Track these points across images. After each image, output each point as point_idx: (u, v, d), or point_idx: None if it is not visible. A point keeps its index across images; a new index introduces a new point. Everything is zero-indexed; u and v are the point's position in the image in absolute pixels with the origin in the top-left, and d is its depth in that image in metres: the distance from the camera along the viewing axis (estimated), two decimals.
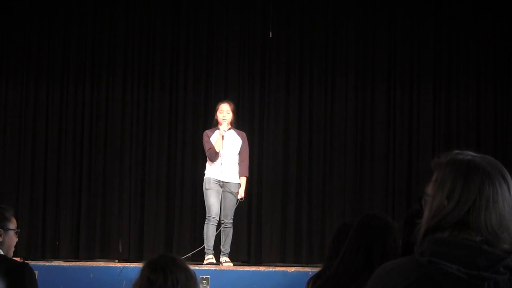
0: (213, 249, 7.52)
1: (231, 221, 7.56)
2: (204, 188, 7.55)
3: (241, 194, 7.53)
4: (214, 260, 7.43)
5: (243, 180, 7.58)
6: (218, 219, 7.50)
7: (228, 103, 7.64)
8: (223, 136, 7.46)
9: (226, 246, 7.56)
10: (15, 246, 3.91)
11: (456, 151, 1.57)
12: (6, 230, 3.73)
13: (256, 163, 8.63)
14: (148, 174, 8.72)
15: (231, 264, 7.50)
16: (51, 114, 8.79)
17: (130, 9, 8.90)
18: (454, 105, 8.71)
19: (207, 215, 7.52)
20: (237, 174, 7.57)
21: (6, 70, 8.87)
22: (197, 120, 8.76)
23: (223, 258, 7.50)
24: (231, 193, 7.52)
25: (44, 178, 8.68)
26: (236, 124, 7.75)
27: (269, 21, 8.66)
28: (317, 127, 8.77)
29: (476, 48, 8.73)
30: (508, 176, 1.53)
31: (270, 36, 8.57)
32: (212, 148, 7.47)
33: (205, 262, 7.45)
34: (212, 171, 7.52)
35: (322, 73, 8.83)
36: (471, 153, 1.57)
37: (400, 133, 8.72)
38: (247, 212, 8.60)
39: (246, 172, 7.62)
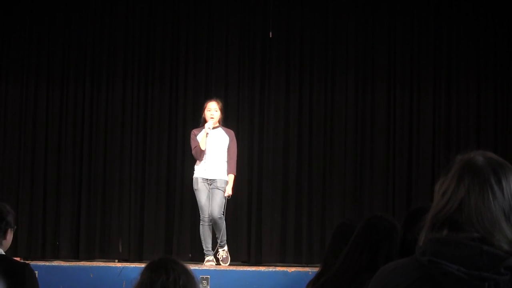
0: (212, 249, 7.53)
1: (220, 215, 7.50)
2: (193, 188, 7.57)
3: (228, 191, 7.52)
4: (214, 262, 7.44)
5: (230, 178, 7.57)
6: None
7: (216, 101, 7.64)
8: (207, 134, 7.46)
9: (222, 238, 7.55)
10: (16, 246, 3.92)
11: (473, 152, 1.58)
12: (13, 227, 3.73)
13: (256, 163, 8.63)
14: (148, 174, 8.72)
15: (228, 256, 7.51)
16: (51, 114, 8.79)
17: (130, 9, 8.90)
18: (454, 105, 8.71)
19: (201, 216, 7.54)
20: (225, 172, 7.56)
21: (6, 70, 8.87)
22: (197, 120, 8.74)
23: (220, 251, 7.51)
24: (219, 189, 7.49)
25: (44, 178, 8.68)
26: (224, 122, 7.74)
27: (269, 21, 8.66)
28: (317, 127, 8.77)
29: (476, 48, 8.73)
30: (505, 177, 1.52)
31: (270, 36, 8.57)
32: (197, 146, 7.48)
33: (205, 262, 7.46)
34: (199, 170, 7.53)
35: (322, 73, 8.83)
36: (479, 152, 1.57)
37: (400, 133, 8.72)
38: (247, 212, 8.60)
39: (234, 170, 7.61)
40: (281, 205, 8.63)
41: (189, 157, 8.66)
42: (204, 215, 7.47)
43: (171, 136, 8.80)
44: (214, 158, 7.51)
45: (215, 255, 7.56)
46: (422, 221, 1.56)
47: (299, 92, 8.81)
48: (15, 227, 3.79)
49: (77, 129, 8.78)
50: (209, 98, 7.91)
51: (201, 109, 8.73)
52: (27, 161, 8.71)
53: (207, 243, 7.48)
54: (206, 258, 7.47)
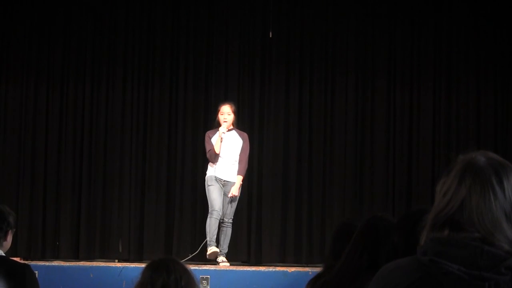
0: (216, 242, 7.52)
1: (230, 220, 7.59)
2: (206, 185, 7.59)
3: (233, 191, 7.53)
4: (217, 249, 7.42)
5: (238, 179, 7.60)
6: (221, 214, 7.51)
7: (229, 104, 7.68)
8: (221, 139, 7.50)
9: (224, 246, 7.57)
10: (16, 246, 3.91)
11: (474, 152, 1.58)
12: (13, 229, 3.73)
13: (256, 163, 8.63)
14: (148, 174, 8.72)
15: (228, 264, 7.51)
16: (51, 114, 8.79)
17: (130, 9, 8.90)
18: (454, 105, 8.72)
19: (210, 210, 7.54)
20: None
21: (6, 70, 8.87)
22: (197, 120, 8.77)
23: (220, 258, 7.51)
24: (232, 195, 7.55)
25: (44, 178, 8.68)
26: (238, 124, 7.78)
27: (269, 21, 8.66)
28: (317, 127, 8.77)
29: (476, 48, 8.73)
30: (506, 177, 1.52)
31: (270, 36, 8.57)
32: (212, 149, 7.53)
33: (208, 252, 7.41)
34: (214, 170, 7.59)
35: (322, 73, 8.83)
36: (480, 152, 1.57)
37: (400, 133, 8.72)
38: (247, 212, 8.60)
39: (242, 172, 7.65)
40: (281, 205, 8.64)
41: (189, 156, 8.68)
42: (213, 208, 7.49)
43: (171, 136, 8.80)
44: (228, 160, 7.56)
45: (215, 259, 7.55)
46: (423, 221, 1.56)
47: (299, 92, 8.81)
48: (14, 229, 3.79)
49: (77, 129, 8.78)
50: (222, 101, 7.94)
51: (201, 109, 8.78)
52: (27, 161, 8.70)
53: (211, 235, 7.46)
54: (209, 248, 7.43)
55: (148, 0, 8.93)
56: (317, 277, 3.08)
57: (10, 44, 8.85)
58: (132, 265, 7.42)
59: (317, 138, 8.76)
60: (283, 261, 8.47)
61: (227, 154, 7.57)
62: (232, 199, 7.57)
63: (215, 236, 7.49)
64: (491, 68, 8.73)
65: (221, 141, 7.52)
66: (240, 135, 7.71)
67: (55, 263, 7.71)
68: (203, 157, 7.96)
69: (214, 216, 7.48)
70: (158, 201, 8.69)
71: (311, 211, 8.63)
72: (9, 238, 3.70)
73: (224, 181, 7.56)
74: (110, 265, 7.61)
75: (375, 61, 8.78)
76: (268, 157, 8.73)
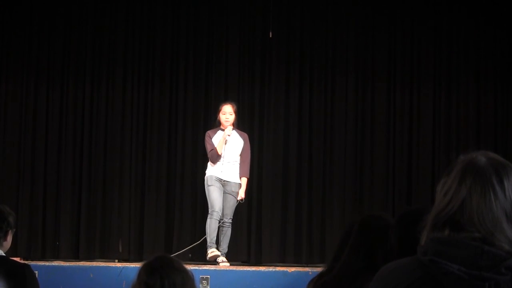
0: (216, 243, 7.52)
1: (230, 220, 7.59)
2: (206, 185, 7.58)
3: (241, 195, 7.56)
4: (218, 252, 7.42)
5: (243, 181, 7.61)
6: (221, 214, 7.51)
7: (231, 104, 7.69)
8: (226, 141, 7.49)
9: (223, 246, 7.57)
10: (16, 246, 3.91)
11: (475, 152, 1.58)
12: (13, 229, 3.73)
13: (256, 163, 8.63)
14: (148, 174, 8.72)
15: (228, 264, 7.51)
16: (51, 114, 8.79)
17: (130, 9, 8.90)
18: (454, 105, 8.72)
19: (210, 210, 7.54)
20: (238, 174, 7.60)
21: (6, 70, 8.87)
22: (197, 120, 8.77)
23: (220, 258, 7.51)
24: (232, 192, 7.55)
25: (44, 178, 8.68)
26: (238, 124, 7.78)
27: (269, 21, 8.66)
28: (317, 127, 8.77)
29: (476, 48, 8.73)
30: (507, 177, 1.52)
31: (270, 36, 8.57)
32: (214, 149, 7.52)
33: (209, 255, 7.42)
34: (214, 170, 7.57)
35: (322, 73, 8.83)
36: (481, 152, 1.57)
37: (400, 133, 8.72)
38: (247, 212, 8.60)
39: (247, 173, 7.65)
40: (281, 205, 8.63)
41: (189, 156, 8.68)
42: (214, 209, 7.48)
43: (171, 136, 8.80)
44: (228, 160, 7.56)
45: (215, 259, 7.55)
46: (423, 221, 1.56)
47: (299, 92, 8.81)
48: (15, 229, 3.79)
49: (77, 129, 8.78)
50: (223, 101, 7.94)
51: (201, 109, 8.77)
52: (27, 161, 8.70)
53: (212, 236, 7.46)
54: (210, 250, 7.43)
55: (148, 0, 8.93)
56: (319, 276, 3.08)
57: (10, 44, 8.85)
58: (132, 265, 7.41)
59: (317, 138, 8.76)
60: (283, 261, 8.47)
61: (228, 154, 7.57)
62: (232, 200, 7.56)
63: (215, 238, 7.49)
64: (491, 68, 8.73)
65: (225, 143, 7.52)
66: (240, 135, 7.71)
67: (55, 263, 7.71)
68: (203, 157, 7.96)
69: (214, 217, 7.47)
70: (158, 201, 8.69)
71: (311, 211, 8.63)
72: (9, 238, 3.70)
73: (224, 181, 7.56)
74: (110, 265, 7.61)
75: (375, 61, 8.78)
76: (268, 157, 8.73)
